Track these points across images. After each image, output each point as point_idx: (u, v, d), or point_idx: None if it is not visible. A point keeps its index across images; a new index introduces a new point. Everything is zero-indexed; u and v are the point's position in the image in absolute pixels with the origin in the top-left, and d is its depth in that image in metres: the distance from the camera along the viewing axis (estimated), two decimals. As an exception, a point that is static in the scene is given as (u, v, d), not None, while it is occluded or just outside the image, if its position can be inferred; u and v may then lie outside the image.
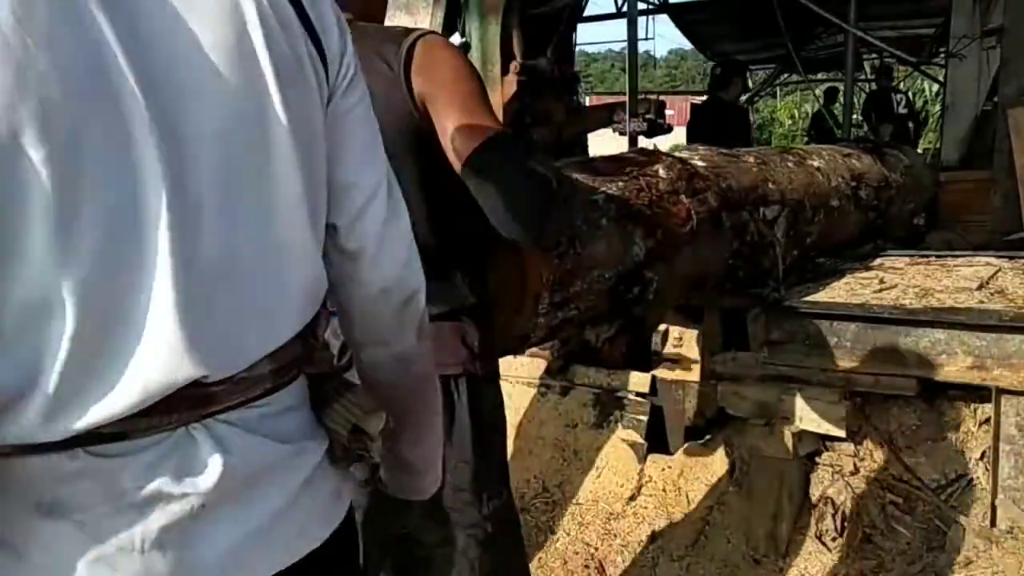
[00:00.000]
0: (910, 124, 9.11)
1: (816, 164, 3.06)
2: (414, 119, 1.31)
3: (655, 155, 2.35)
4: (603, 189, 1.92)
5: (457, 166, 1.29)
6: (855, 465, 2.38)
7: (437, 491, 1.20)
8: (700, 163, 2.44)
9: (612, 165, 2.14)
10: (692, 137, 4.93)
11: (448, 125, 1.28)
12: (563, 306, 1.76)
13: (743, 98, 16.45)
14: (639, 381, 2.97)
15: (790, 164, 2.90)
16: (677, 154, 2.59)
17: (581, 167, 2.07)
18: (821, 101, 10.36)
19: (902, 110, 8.90)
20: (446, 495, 1.38)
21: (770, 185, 2.64)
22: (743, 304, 2.63)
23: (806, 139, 10.76)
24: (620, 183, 2.00)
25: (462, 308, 1.39)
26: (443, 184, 1.34)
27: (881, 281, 2.68)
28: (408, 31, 1.33)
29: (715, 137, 3.90)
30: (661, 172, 2.16)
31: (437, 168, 1.33)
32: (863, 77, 11.39)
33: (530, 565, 2.56)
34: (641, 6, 10.41)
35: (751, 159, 2.75)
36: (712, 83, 5.46)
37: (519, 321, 1.65)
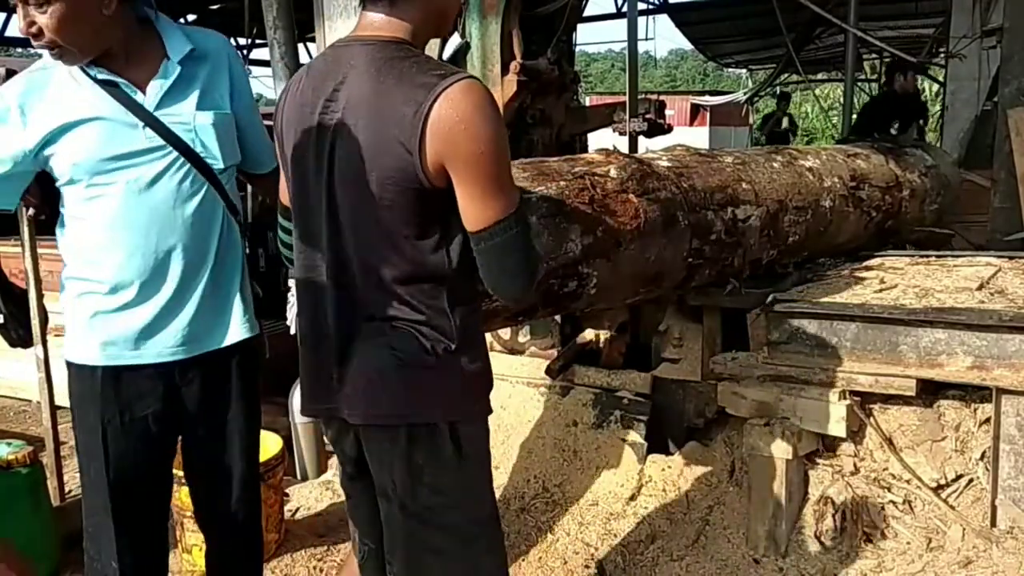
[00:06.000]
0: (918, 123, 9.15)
1: (808, 164, 3.06)
2: (414, 173, 1.34)
3: (614, 155, 2.37)
4: (539, 189, 1.95)
5: (468, 228, 1.38)
6: (855, 465, 2.38)
7: (414, 489, 1.43)
8: (664, 163, 2.47)
9: (562, 164, 2.17)
10: (865, 128, 5.49)
11: (464, 200, 1.36)
12: (485, 297, 1.75)
13: (744, 98, 16.49)
14: (639, 381, 2.97)
15: (775, 165, 2.91)
16: (641, 154, 2.63)
17: (530, 165, 2.10)
18: (777, 104, 11.07)
19: None
20: (423, 495, 1.46)
21: (744, 185, 2.65)
22: (744, 304, 2.64)
23: (756, 140, 11.13)
24: (562, 182, 2.04)
25: (447, 353, 1.43)
26: (437, 231, 1.40)
27: (881, 281, 2.68)
28: (441, 77, 1.32)
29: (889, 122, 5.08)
30: (612, 172, 2.20)
31: (430, 217, 1.39)
32: (863, 77, 11.41)
33: (530, 565, 2.56)
34: (641, 6, 10.41)
35: (728, 160, 2.76)
36: (886, 81, 6.43)
37: None
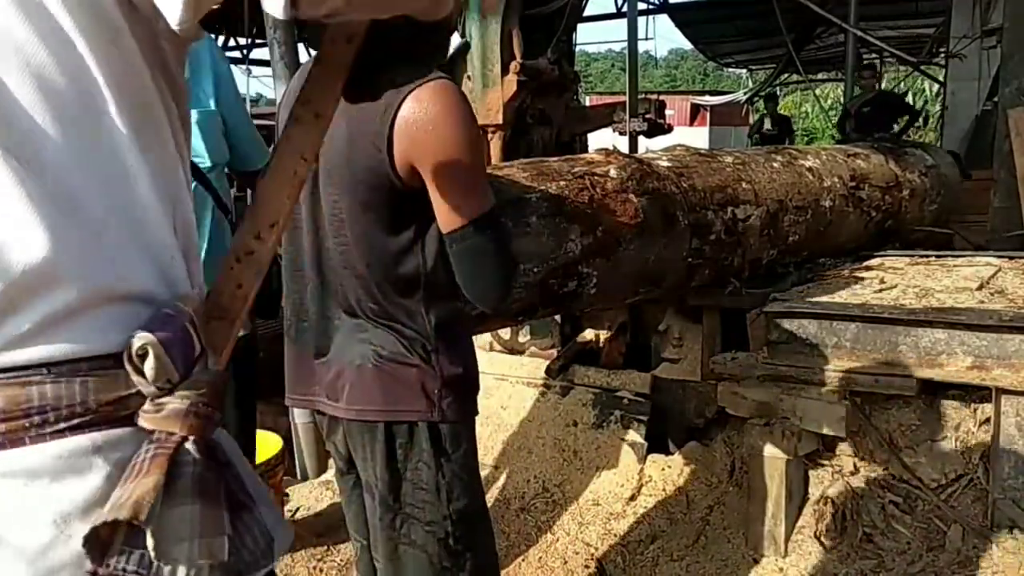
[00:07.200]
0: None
1: (808, 164, 3.06)
2: (385, 172, 1.33)
3: (613, 155, 2.37)
4: (540, 188, 1.95)
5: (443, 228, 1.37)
6: (855, 465, 2.39)
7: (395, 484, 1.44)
8: (664, 163, 2.47)
9: (563, 164, 2.18)
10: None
11: (435, 200, 1.34)
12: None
13: (745, 98, 16.54)
14: (639, 381, 2.97)
15: (775, 165, 2.91)
16: (641, 154, 2.63)
17: (530, 165, 2.10)
18: (764, 106, 11.11)
19: None
20: (404, 491, 1.47)
21: (744, 185, 2.65)
22: (744, 304, 2.64)
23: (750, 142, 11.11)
24: (562, 182, 2.04)
25: (426, 353, 1.43)
26: (412, 231, 1.39)
27: (881, 281, 2.68)
28: (408, 81, 1.31)
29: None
30: (612, 172, 2.20)
31: (404, 216, 1.38)
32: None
33: (530, 565, 2.56)
34: (641, 6, 10.42)
35: (728, 159, 2.76)
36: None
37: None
